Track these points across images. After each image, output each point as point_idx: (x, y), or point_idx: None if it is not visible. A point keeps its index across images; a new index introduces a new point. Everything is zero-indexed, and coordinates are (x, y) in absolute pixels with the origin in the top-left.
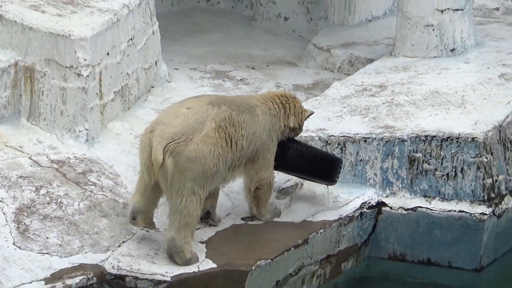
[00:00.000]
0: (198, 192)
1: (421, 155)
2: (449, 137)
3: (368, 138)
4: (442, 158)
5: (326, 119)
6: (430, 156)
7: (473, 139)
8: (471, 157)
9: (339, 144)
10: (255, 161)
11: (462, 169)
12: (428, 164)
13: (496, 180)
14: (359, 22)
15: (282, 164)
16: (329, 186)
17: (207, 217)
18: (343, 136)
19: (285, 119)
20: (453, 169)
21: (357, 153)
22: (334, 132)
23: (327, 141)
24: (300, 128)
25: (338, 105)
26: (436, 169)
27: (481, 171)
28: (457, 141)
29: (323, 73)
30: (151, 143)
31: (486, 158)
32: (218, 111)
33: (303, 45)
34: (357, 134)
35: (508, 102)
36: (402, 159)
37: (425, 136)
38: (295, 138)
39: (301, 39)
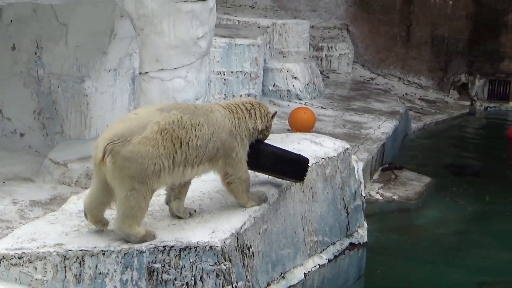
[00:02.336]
0: (139, 188)
1: (160, 265)
2: (187, 247)
3: (107, 251)
4: (181, 268)
5: (64, 234)
6: (169, 266)
7: (211, 247)
8: (210, 265)
9: (77, 258)
10: (219, 159)
11: (201, 277)
12: (168, 274)
13: (236, 287)
14: (96, 135)
15: (254, 164)
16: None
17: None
18: (81, 250)
19: (252, 122)
20: (193, 278)
21: (96, 267)
22: (72, 247)
23: (65, 256)
24: (267, 129)
25: (75, 219)
26: (175, 279)
27: (220, 279)
28: (196, 250)
29: (60, 187)
30: (96, 144)
31: (225, 265)
32: (165, 116)
33: (40, 160)
34: (95, 247)
35: (245, 210)
36: (141, 271)
37: (163, 246)
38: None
39: (38, 154)
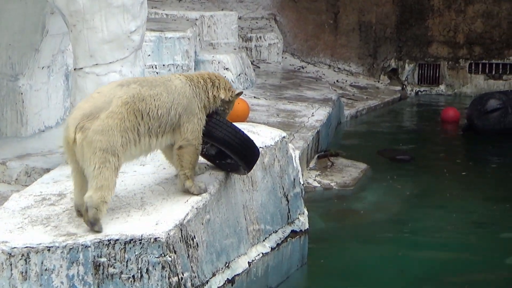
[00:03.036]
0: (112, 160)
1: (106, 259)
2: (132, 239)
3: (52, 247)
4: (127, 261)
5: (8, 232)
6: (115, 259)
7: (155, 239)
8: (155, 257)
9: (23, 255)
10: (181, 125)
11: (147, 269)
12: (114, 267)
13: (182, 278)
14: (33, 133)
15: (211, 134)
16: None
17: None
18: (26, 247)
19: (214, 90)
20: (139, 271)
21: (42, 263)
22: (17, 244)
23: (10, 254)
24: (229, 104)
25: (18, 216)
26: (122, 272)
27: (166, 270)
28: (140, 243)
29: (0, 186)
30: (66, 126)
31: (170, 257)
32: (126, 90)
33: None
34: (40, 244)
35: (187, 201)
36: (87, 265)
37: (108, 240)
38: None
39: None
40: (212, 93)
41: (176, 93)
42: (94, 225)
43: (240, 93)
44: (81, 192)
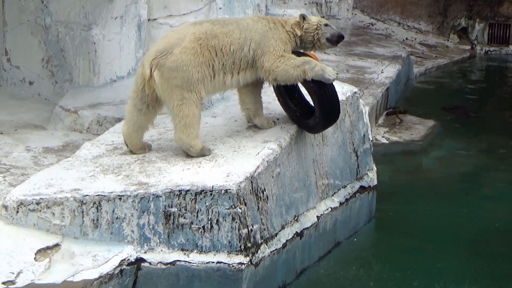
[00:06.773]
0: (189, 96)
1: (177, 209)
2: (203, 190)
3: (123, 195)
4: (197, 211)
5: (80, 179)
6: (185, 210)
7: (226, 191)
8: (226, 209)
9: (94, 203)
10: (256, 61)
11: (217, 221)
12: (184, 218)
13: (252, 230)
14: (105, 82)
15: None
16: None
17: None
18: (98, 195)
19: (288, 27)
20: (209, 222)
21: (113, 211)
22: (89, 192)
23: (82, 201)
24: (308, 34)
25: (90, 165)
26: (192, 223)
27: (236, 222)
28: (211, 194)
29: (72, 134)
30: (142, 63)
31: (240, 209)
32: (198, 27)
33: (50, 108)
34: (112, 192)
35: (258, 153)
36: (158, 215)
37: (179, 190)
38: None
39: (48, 102)
40: (292, 28)
41: (248, 30)
42: (201, 156)
43: (319, 23)
44: (133, 128)
